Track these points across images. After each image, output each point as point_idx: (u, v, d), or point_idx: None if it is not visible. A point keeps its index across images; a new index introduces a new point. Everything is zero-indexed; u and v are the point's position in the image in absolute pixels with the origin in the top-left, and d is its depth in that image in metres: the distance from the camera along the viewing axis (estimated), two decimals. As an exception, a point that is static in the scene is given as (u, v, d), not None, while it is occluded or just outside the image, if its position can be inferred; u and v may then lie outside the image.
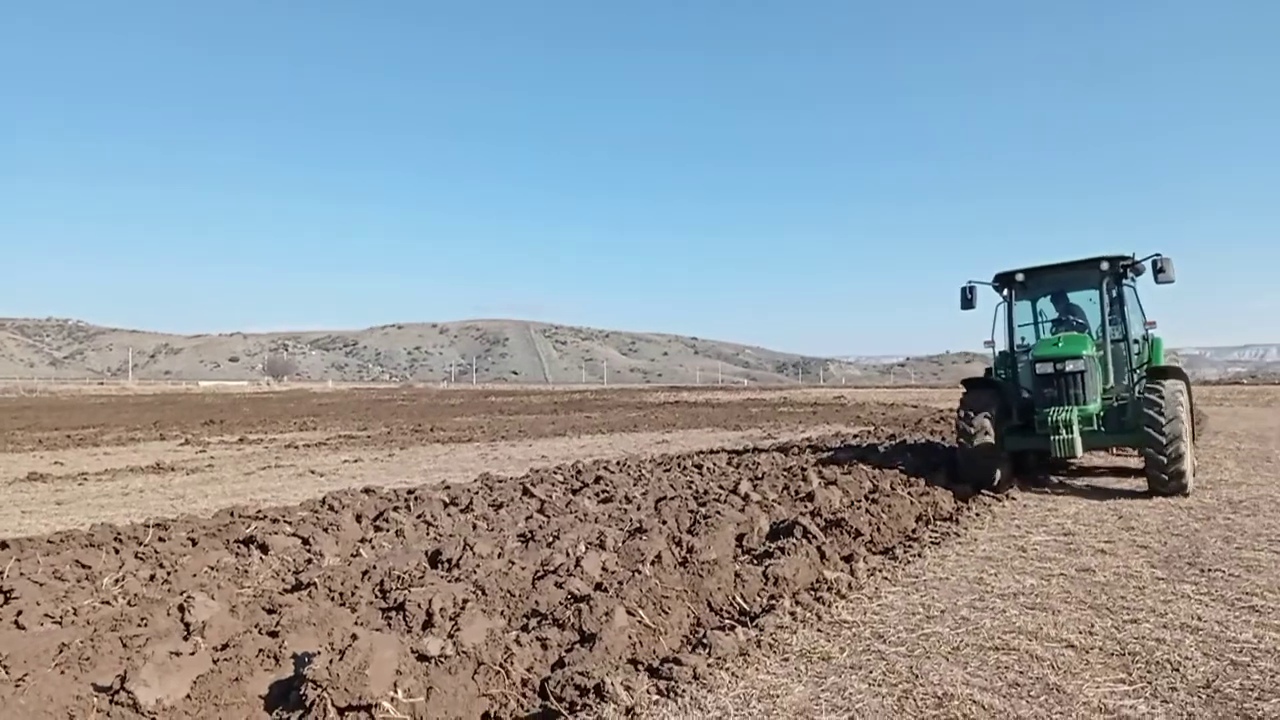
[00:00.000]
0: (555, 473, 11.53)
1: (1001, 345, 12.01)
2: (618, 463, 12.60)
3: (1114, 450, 13.49)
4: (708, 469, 11.56)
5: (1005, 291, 12.04)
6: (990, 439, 10.65)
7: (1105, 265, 11.03)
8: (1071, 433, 10.05)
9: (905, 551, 7.12)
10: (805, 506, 8.64)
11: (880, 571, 6.40)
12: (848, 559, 6.92)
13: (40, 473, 15.03)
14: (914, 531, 8.10)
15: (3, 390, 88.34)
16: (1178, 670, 4.23)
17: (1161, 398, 9.89)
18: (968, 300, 11.72)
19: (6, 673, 3.48)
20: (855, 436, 19.90)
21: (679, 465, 12.08)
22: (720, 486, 9.57)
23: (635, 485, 10.00)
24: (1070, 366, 10.42)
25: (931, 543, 7.48)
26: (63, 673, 3.62)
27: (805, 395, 61.51)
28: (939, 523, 8.50)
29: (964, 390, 11.93)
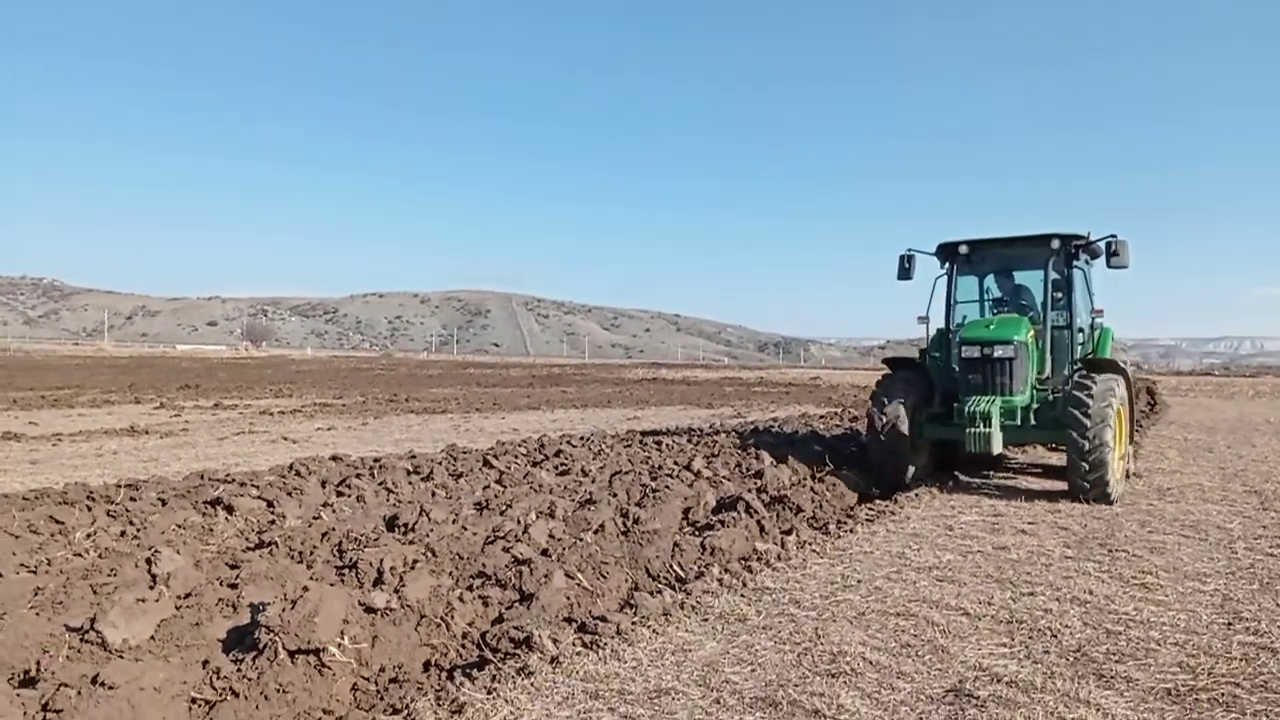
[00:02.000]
0: (520, 445, 11.91)
1: (939, 323, 10.92)
2: (582, 438, 12.99)
3: (1051, 447, 12.31)
4: (667, 445, 11.97)
5: (947, 264, 10.90)
6: (903, 428, 9.77)
7: (1055, 243, 10.06)
8: (989, 426, 9.08)
9: (839, 527, 7.57)
10: (754, 483, 9.07)
11: (811, 545, 6.84)
12: (787, 533, 7.36)
13: (14, 432, 15.24)
14: (853, 509, 8.55)
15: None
16: (1055, 636, 4.69)
17: (1090, 394, 8.97)
18: (905, 270, 10.71)
19: (-15, 612, 3.84)
20: (821, 418, 20.38)
21: (640, 441, 12.50)
22: (675, 462, 9.99)
23: (594, 459, 10.40)
24: (999, 352, 9.43)
25: (866, 520, 7.93)
26: (38, 614, 3.98)
27: (783, 375, 62.05)
28: (880, 501, 8.96)
29: (885, 371, 11.03)
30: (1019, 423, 9.66)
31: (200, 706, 3.66)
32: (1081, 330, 10.62)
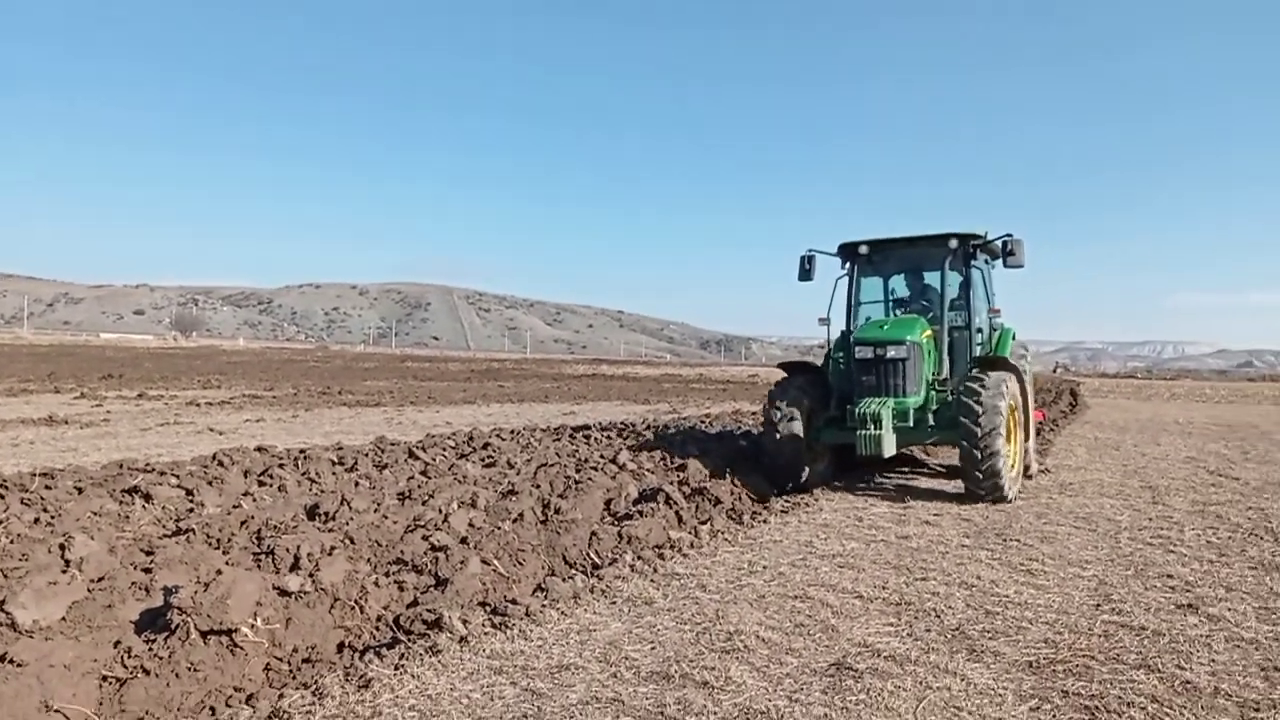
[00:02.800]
0: (449, 439, 12.00)
1: (841, 325, 10.86)
2: (512, 431, 13.13)
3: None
4: (595, 439, 12.19)
5: (848, 264, 10.86)
6: (797, 431, 9.66)
7: (954, 243, 10.09)
8: (880, 428, 9.02)
9: (754, 518, 7.87)
10: (677, 476, 9.33)
11: (724, 534, 7.12)
12: (703, 523, 7.63)
13: (-75, 421, 14.76)
14: (769, 502, 8.87)
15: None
16: (939, 616, 5.02)
17: (980, 396, 8.88)
18: (805, 271, 10.52)
19: (-109, 594, 3.86)
20: (753, 414, 20.80)
21: (570, 435, 12.69)
22: (601, 456, 10.21)
23: (522, 452, 10.56)
24: (892, 353, 9.39)
25: (780, 511, 8.25)
26: (-55, 596, 4.01)
27: (723, 373, 62.83)
28: (796, 494, 9.30)
29: (781, 375, 10.81)
30: (912, 424, 9.61)
31: (111, 684, 3.76)
32: (980, 330, 10.65)
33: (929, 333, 9.91)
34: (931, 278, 10.89)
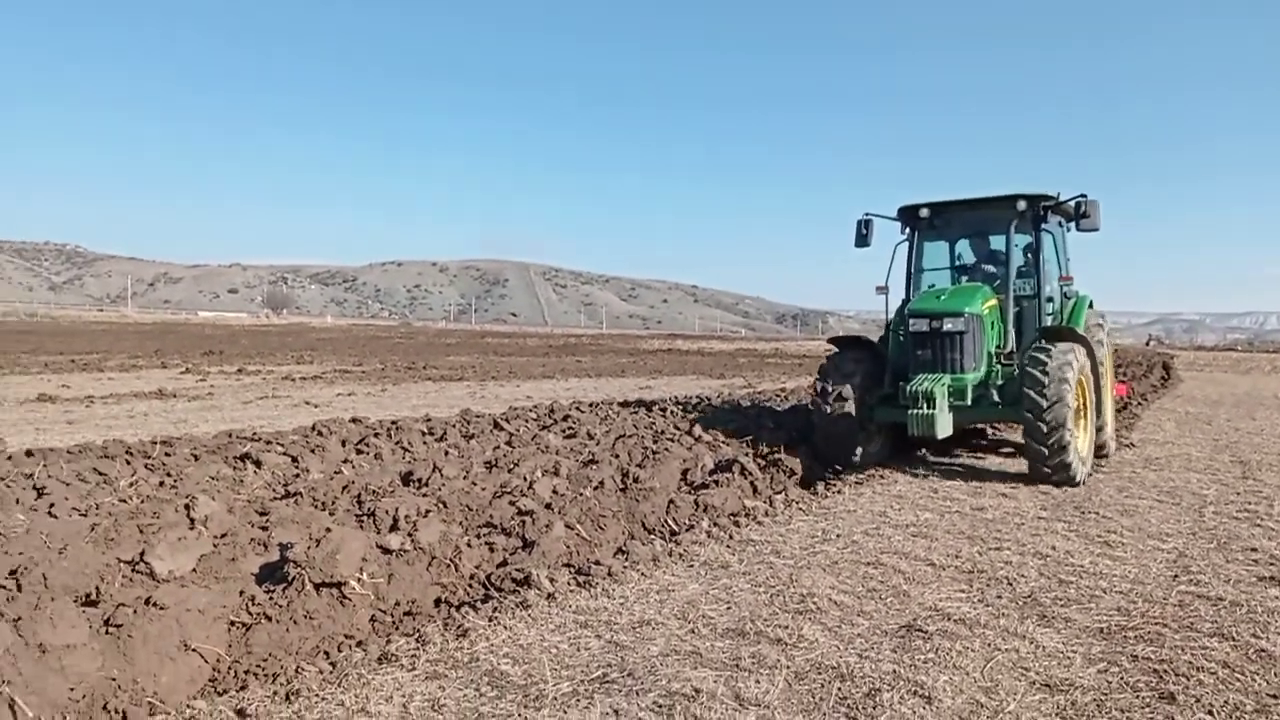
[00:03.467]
0: (530, 411, 12.40)
1: (901, 294, 10.38)
2: (590, 404, 13.46)
3: None
4: (671, 412, 12.42)
5: (908, 229, 10.37)
6: (849, 409, 9.18)
7: (1021, 205, 9.36)
8: (933, 407, 8.46)
9: (828, 488, 8.01)
10: (751, 448, 9.50)
11: (799, 504, 7.29)
12: (778, 493, 7.81)
13: (49, 394, 15.90)
14: (843, 473, 8.97)
15: (3, 314, 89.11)
16: (1011, 585, 5.12)
17: (1045, 369, 8.24)
18: (862, 236, 10.05)
19: (49, 545, 4.35)
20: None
21: (647, 408, 12.95)
22: (677, 428, 10.43)
23: (601, 424, 10.87)
24: (949, 325, 8.81)
25: (855, 482, 8.37)
26: (94, 548, 4.49)
27: (799, 348, 62.36)
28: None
29: (833, 350, 10.32)
30: (970, 402, 9.01)
31: (238, 628, 4.17)
32: (1051, 299, 9.98)
33: (992, 302, 9.31)
34: (998, 243, 10.22)
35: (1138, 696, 3.51)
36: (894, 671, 3.73)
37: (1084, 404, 8.95)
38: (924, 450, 10.18)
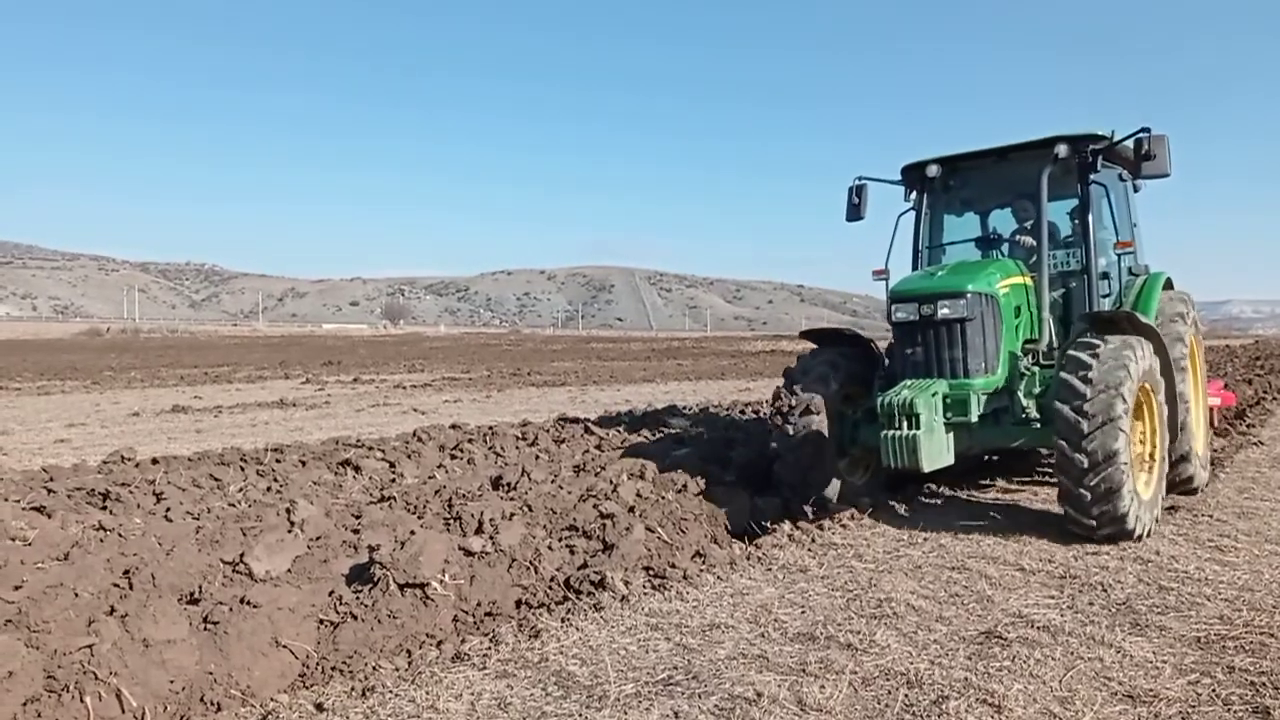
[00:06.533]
0: (625, 414, 12.54)
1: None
2: (684, 408, 13.50)
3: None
4: (764, 414, 12.32)
5: (914, 193, 8.21)
6: (819, 427, 6.96)
7: (1061, 149, 7.06)
8: (916, 425, 6.16)
9: (918, 490, 7.79)
10: (845, 450, 9.33)
11: (885, 507, 7.12)
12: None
13: (182, 405, 17.08)
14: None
15: (149, 330, 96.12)
16: (1105, 590, 4.88)
17: (1088, 373, 5.88)
18: (854, 206, 8.08)
19: (161, 546, 4.70)
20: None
21: (740, 409, 12.90)
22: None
23: (692, 427, 10.89)
24: (945, 310, 6.61)
25: (947, 483, 8.11)
26: (199, 550, 4.82)
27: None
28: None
29: (809, 347, 8.19)
30: (977, 419, 6.63)
31: (327, 626, 4.40)
32: (1107, 276, 7.52)
33: (1016, 280, 7.04)
34: (1057, 206, 7.88)
35: (1229, 710, 3.31)
36: (965, 679, 3.63)
37: (1150, 423, 6.65)
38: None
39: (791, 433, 7.05)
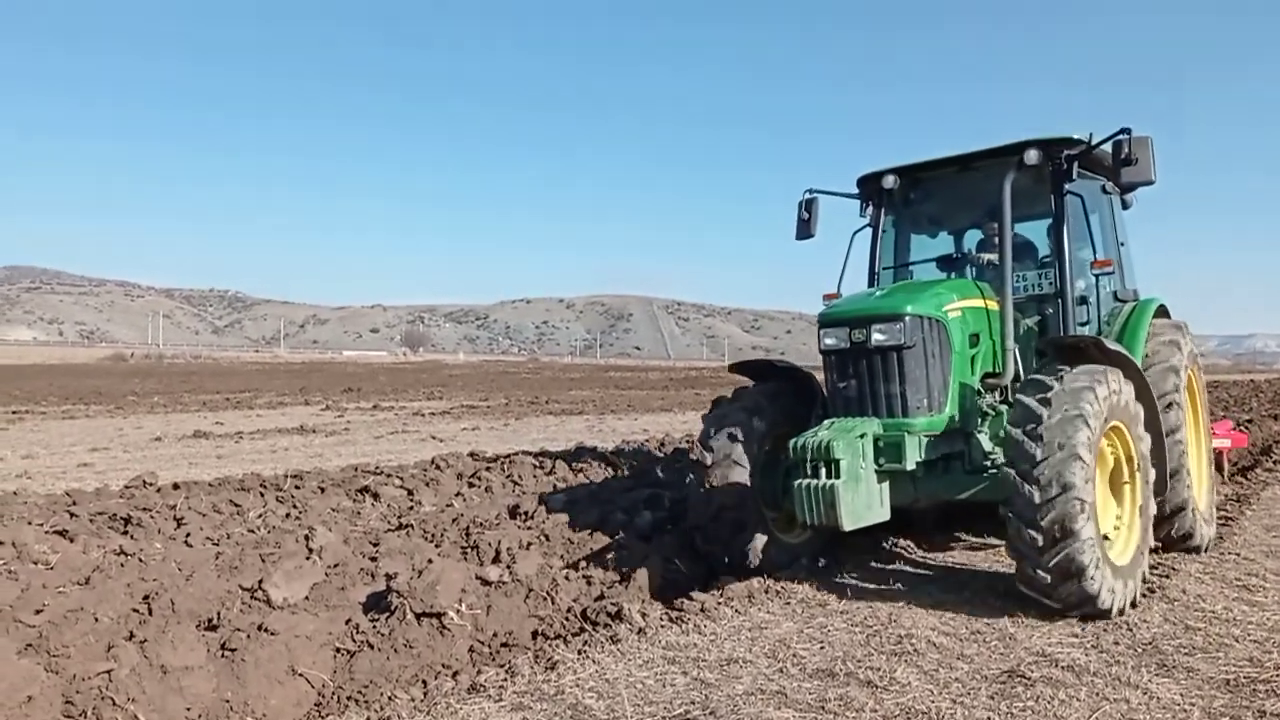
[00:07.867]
0: (643, 445, 12.52)
1: None
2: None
3: None
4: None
5: (870, 207, 7.46)
6: (739, 478, 6.01)
7: (1032, 156, 6.24)
8: (835, 474, 5.16)
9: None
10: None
11: (907, 540, 7.04)
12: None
13: (204, 431, 17.21)
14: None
15: (173, 356, 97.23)
16: (1131, 630, 4.79)
17: (1041, 410, 4.98)
18: (804, 223, 7.35)
19: (180, 572, 4.72)
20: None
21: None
22: (788, 461, 10.31)
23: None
24: (879, 336, 5.68)
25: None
26: (218, 576, 4.84)
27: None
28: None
29: (739, 384, 7.05)
30: (915, 466, 5.64)
31: (343, 655, 4.40)
32: (1086, 300, 6.68)
33: (971, 303, 6.13)
34: (1036, 226, 7.17)
35: (1260, 756, 3.23)
36: (987, 719, 3.57)
37: (1128, 474, 5.61)
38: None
39: (708, 486, 6.05)
